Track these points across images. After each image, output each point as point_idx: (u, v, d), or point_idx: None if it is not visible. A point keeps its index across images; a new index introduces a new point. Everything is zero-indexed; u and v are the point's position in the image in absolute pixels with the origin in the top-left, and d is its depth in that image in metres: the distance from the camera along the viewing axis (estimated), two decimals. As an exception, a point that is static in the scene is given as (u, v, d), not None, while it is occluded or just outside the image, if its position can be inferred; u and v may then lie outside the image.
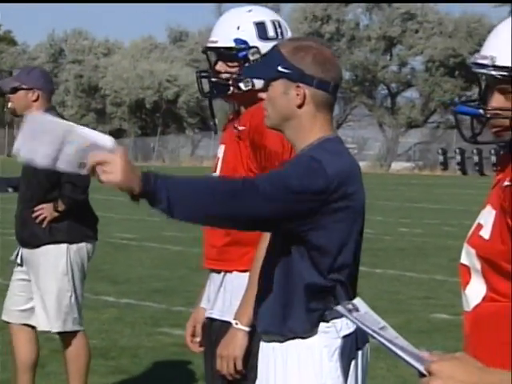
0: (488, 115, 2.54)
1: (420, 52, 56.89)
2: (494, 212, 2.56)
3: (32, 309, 6.01)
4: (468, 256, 2.61)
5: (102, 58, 64.07)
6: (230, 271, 3.69)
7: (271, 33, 3.72)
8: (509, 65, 2.51)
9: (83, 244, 5.93)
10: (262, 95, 2.98)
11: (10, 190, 26.54)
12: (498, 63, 2.51)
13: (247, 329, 3.41)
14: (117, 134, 62.49)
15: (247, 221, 2.79)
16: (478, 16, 55.25)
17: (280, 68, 2.90)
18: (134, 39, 68.00)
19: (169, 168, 52.48)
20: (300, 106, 2.92)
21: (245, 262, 3.60)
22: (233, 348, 3.44)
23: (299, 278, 2.86)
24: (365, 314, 1.93)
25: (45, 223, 5.85)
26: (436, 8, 58.00)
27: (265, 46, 3.67)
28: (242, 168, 3.67)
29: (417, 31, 57.04)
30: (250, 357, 3.43)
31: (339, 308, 1.97)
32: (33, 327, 6.04)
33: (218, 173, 3.79)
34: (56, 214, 5.83)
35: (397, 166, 56.32)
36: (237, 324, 3.44)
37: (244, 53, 3.71)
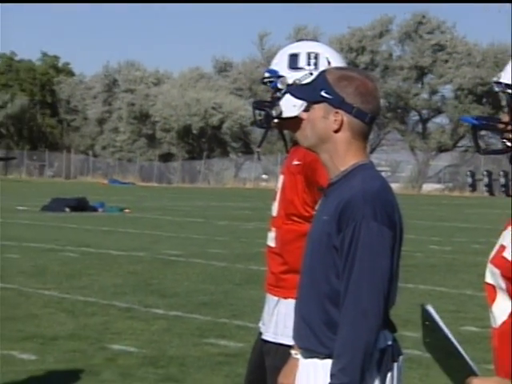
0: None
1: (450, 81, 56.61)
2: None
3: None
4: (493, 276, 2.59)
5: (152, 88, 64.48)
6: (286, 298, 3.66)
7: (302, 63, 3.75)
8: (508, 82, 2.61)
9: None
10: (303, 116, 2.97)
11: (67, 210, 26.95)
12: (502, 81, 2.63)
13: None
14: (166, 157, 62.80)
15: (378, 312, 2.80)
16: (505, 47, 54.87)
17: (323, 93, 2.89)
18: (182, 70, 68.50)
19: (214, 189, 52.64)
20: (337, 131, 2.90)
21: None
22: (293, 378, 3.35)
23: (339, 297, 2.84)
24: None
25: None
26: (465, 40, 57.75)
27: (293, 75, 3.72)
28: (297, 200, 3.66)
29: (447, 61, 56.79)
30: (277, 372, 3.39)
31: (429, 307, 2.21)
32: None
33: (277, 202, 3.78)
34: None
35: (428, 187, 55.97)
36: (296, 354, 3.35)
37: (274, 82, 3.76)
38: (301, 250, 3.46)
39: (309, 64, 3.75)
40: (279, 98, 3.75)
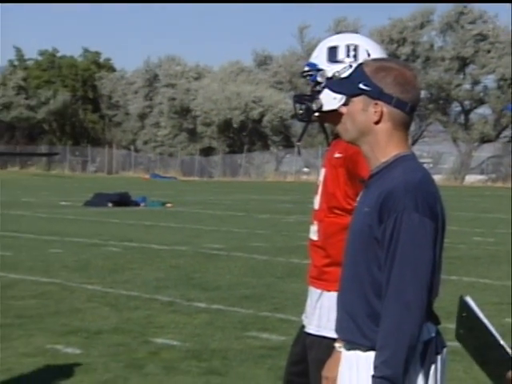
0: None
1: (492, 71, 56.03)
2: None
3: None
4: None
5: (193, 82, 64.65)
6: (329, 291, 3.66)
7: (341, 55, 3.74)
8: None
9: None
10: (343, 110, 2.96)
11: (109, 204, 27.23)
12: None
13: None
14: (207, 151, 62.97)
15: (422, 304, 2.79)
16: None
17: (361, 85, 2.88)
18: (223, 64, 68.61)
19: (254, 182, 52.66)
20: (377, 123, 2.89)
21: None
22: (337, 371, 3.35)
23: (382, 289, 2.83)
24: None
25: None
26: (507, 29, 57.09)
27: (333, 68, 3.71)
28: (339, 193, 3.65)
29: (489, 51, 56.21)
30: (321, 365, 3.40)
31: (468, 299, 2.25)
32: None
33: (318, 196, 3.78)
34: None
35: (470, 178, 55.52)
36: (340, 347, 3.34)
37: (314, 76, 3.75)
38: (343, 242, 3.47)
39: (348, 56, 3.74)
40: (319, 92, 3.73)
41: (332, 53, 3.75)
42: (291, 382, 3.93)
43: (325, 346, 3.56)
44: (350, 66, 3.66)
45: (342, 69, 3.71)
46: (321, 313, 3.69)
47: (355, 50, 3.75)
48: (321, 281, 3.70)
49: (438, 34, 58.78)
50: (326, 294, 3.68)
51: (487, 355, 2.54)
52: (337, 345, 3.27)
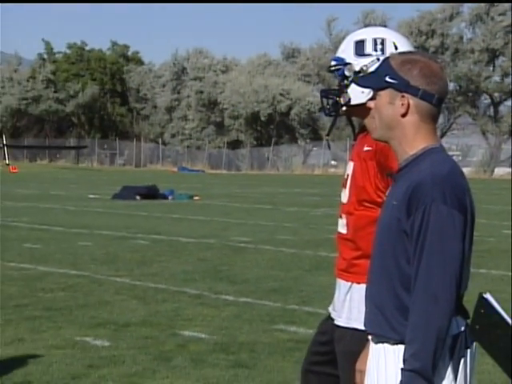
0: None
1: (522, 62, 55.59)
2: None
3: None
4: None
5: (220, 75, 64.70)
6: (359, 283, 3.66)
7: (368, 49, 3.73)
8: None
9: None
10: (371, 104, 2.96)
11: (137, 197, 27.28)
12: None
13: None
14: (234, 144, 63.04)
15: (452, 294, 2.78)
16: None
17: (387, 78, 2.88)
18: (250, 56, 68.53)
19: (282, 175, 52.65)
20: (404, 115, 2.88)
21: None
22: None
23: (411, 282, 2.82)
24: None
25: None
26: (537, 20, 56.57)
27: (360, 62, 3.70)
28: (370, 186, 3.65)
29: (519, 43, 55.77)
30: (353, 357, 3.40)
31: (488, 295, 2.24)
32: None
33: (347, 189, 3.77)
34: None
35: (500, 171, 55.14)
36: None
37: (342, 70, 3.74)
38: (373, 235, 3.48)
39: (375, 50, 3.73)
40: (347, 86, 3.73)
41: (359, 46, 3.74)
42: (311, 372, 3.93)
43: (358, 338, 3.56)
44: (378, 60, 3.65)
45: (369, 62, 3.70)
46: (351, 305, 3.69)
47: (382, 43, 3.74)
48: (350, 274, 3.71)
49: (468, 26, 58.42)
50: (355, 286, 3.68)
51: (507, 352, 2.54)
52: (370, 337, 3.28)
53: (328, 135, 4.33)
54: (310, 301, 9.66)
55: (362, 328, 3.34)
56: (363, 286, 3.46)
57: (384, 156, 3.57)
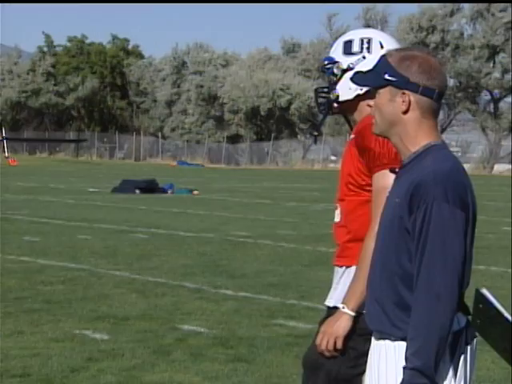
0: None
1: (522, 59, 55.57)
2: None
3: None
4: None
5: (220, 69, 64.68)
6: (350, 266, 3.72)
7: (355, 48, 3.90)
8: None
9: None
10: (370, 102, 2.98)
11: (137, 191, 27.30)
12: None
13: (353, 313, 3.52)
14: (234, 139, 63.03)
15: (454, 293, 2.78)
16: None
17: (387, 76, 2.88)
18: (251, 51, 68.48)
19: (282, 170, 52.63)
20: (405, 112, 2.88)
21: None
22: (337, 327, 3.53)
23: (412, 280, 2.83)
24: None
25: None
26: (538, 16, 56.56)
27: (347, 60, 3.87)
28: (353, 171, 3.74)
29: (519, 39, 55.73)
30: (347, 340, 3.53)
31: (485, 291, 2.23)
32: None
33: (339, 180, 3.88)
34: None
35: (499, 167, 55.18)
36: (344, 308, 3.54)
37: (331, 69, 3.91)
38: (362, 217, 3.62)
39: (362, 49, 3.89)
40: (336, 83, 3.88)
41: (347, 46, 3.92)
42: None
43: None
44: (364, 58, 3.82)
45: (355, 60, 3.86)
46: (343, 288, 3.73)
47: (369, 42, 3.90)
48: (343, 257, 3.79)
49: (468, 22, 58.42)
50: (347, 269, 3.75)
51: (508, 345, 2.56)
52: (340, 305, 3.46)
53: (318, 131, 4.61)
54: (309, 296, 9.67)
55: (340, 305, 3.55)
56: (355, 268, 3.63)
57: (361, 136, 3.67)
